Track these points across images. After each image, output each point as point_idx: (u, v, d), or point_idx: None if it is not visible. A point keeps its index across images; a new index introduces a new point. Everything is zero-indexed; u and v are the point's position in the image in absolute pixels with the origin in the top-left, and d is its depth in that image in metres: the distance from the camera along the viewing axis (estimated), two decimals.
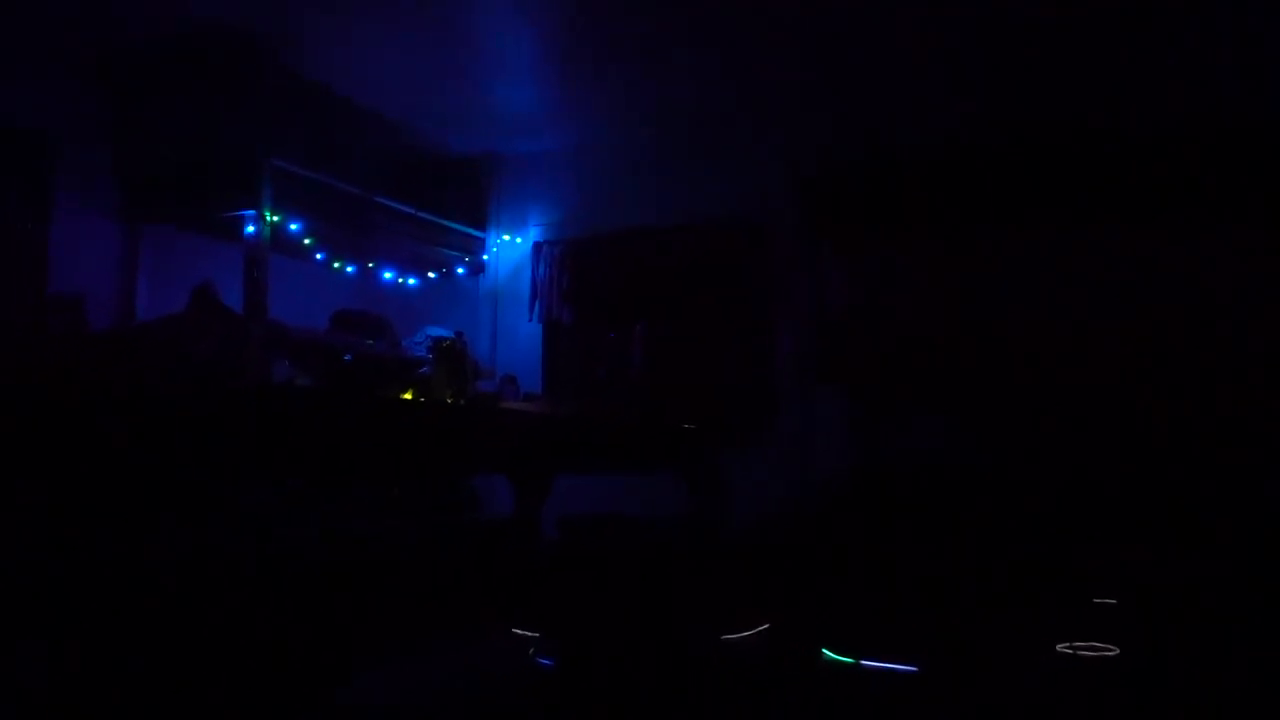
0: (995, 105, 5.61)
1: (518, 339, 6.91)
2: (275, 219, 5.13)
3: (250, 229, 5.04)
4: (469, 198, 6.92)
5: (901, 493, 5.37)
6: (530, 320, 6.86)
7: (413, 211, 6.24)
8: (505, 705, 3.49)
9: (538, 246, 6.88)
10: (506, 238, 7.01)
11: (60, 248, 4.99)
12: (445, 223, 6.61)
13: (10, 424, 2.78)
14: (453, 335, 4.69)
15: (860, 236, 5.79)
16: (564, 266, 6.77)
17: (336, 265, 6.27)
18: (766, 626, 4.01)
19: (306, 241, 5.65)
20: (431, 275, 6.97)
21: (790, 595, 4.28)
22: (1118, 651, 3.64)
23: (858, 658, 3.75)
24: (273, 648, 3.11)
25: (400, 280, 6.78)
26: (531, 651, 3.98)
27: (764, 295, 6.14)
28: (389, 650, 3.81)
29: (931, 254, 5.61)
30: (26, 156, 4.92)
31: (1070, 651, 3.66)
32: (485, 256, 7.00)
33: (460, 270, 6.99)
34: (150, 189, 5.34)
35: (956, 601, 4.13)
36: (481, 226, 6.99)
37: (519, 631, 4.10)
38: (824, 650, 3.82)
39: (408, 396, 4.32)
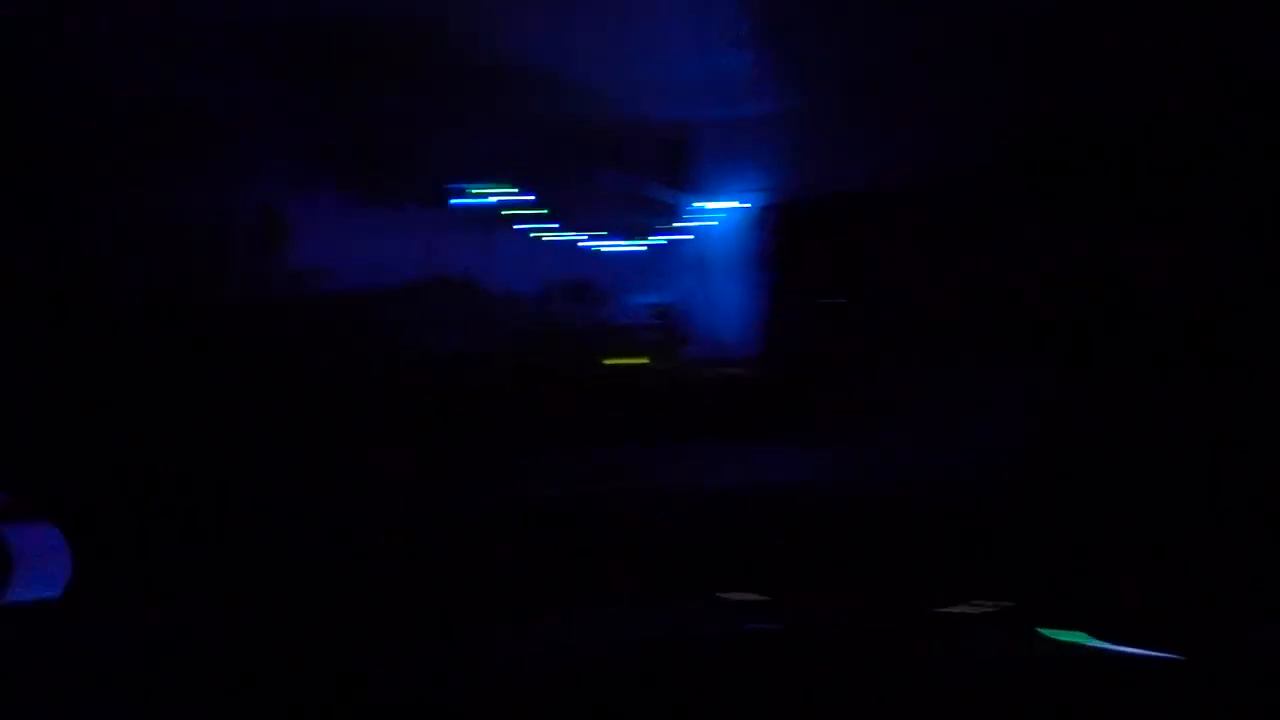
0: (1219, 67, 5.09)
1: (729, 306, 6.88)
2: (492, 190, 5.32)
3: (468, 201, 5.25)
4: (683, 164, 6.92)
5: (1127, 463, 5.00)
6: (743, 287, 6.82)
7: (626, 180, 6.31)
8: (716, 667, 3.53)
9: (751, 212, 6.82)
10: (719, 204, 6.98)
11: (298, 226, 5.34)
12: (658, 190, 6.65)
13: None
14: (668, 303, 4.75)
15: (1074, 198, 5.41)
16: (777, 232, 6.69)
17: (550, 235, 6.45)
18: (983, 601, 3.86)
19: (521, 212, 5.84)
20: (644, 242, 7.05)
21: (1009, 568, 4.09)
22: None
23: (1095, 637, 3.55)
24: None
25: (612, 249, 6.89)
26: (740, 616, 4.00)
27: (974, 256, 5.84)
28: (601, 603, 3.92)
29: (1152, 216, 5.18)
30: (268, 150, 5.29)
31: None
32: (698, 223, 7.01)
33: (674, 238, 7.02)
34: (378, 166, 5.64)
35: (1207, 582, 3.82)
36: (695, 193, 6.98)
37: (725, 596, 4.12)
38: (1042, 629, 3.63)
39: (628, 361, 4.41)
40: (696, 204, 7.00)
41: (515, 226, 5.98)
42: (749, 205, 6.80)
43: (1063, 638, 3.42)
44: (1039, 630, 3.48)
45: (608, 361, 4.40)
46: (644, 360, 4.44)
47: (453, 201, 5.28)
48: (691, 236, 7.00)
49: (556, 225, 6.41)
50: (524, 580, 3.57)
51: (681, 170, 6.92)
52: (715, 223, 6.98)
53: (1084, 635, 3.41)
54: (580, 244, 6.67)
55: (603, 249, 6.85)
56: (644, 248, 7.06)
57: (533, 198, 5.67)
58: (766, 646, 3.68)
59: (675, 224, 6.93)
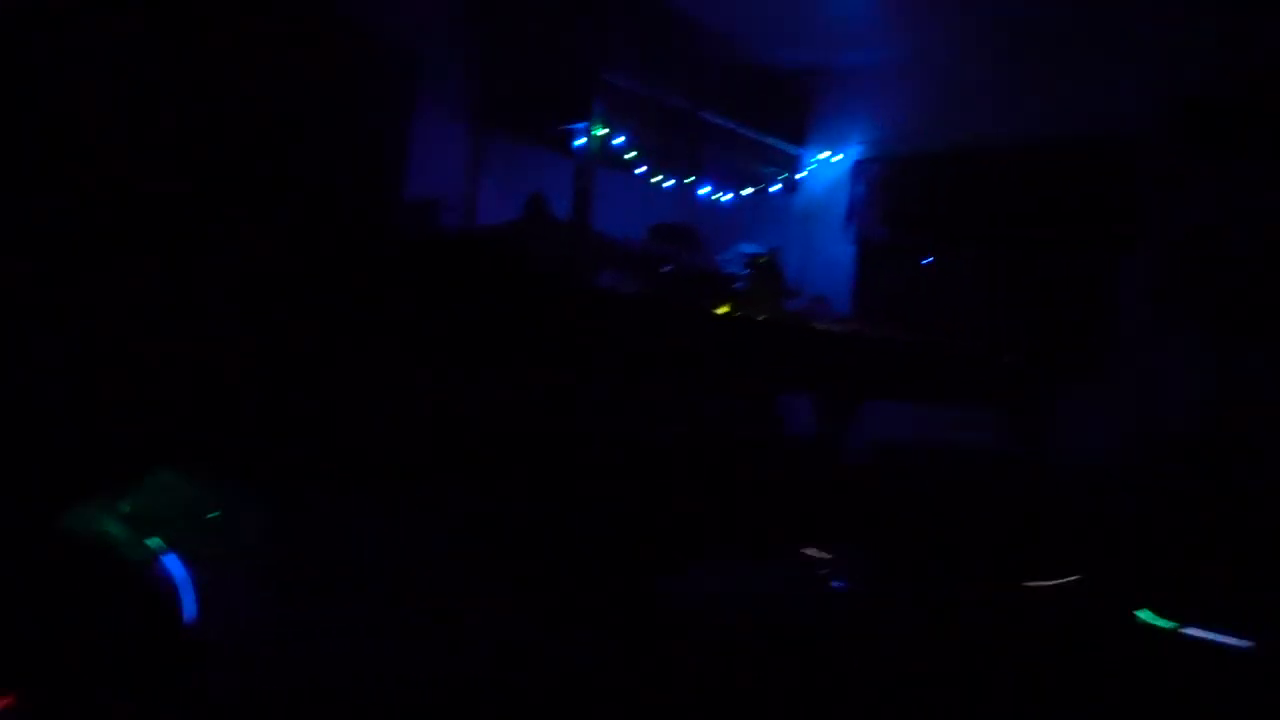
0: None
1: (829, 259, 6.80)
2: (603, 132, 5.33)
3: (580, 141, 5.28)
4: (790, 113, 6.83)
5: (1254, 443, 4.80)
6: (844, 241, 6.73)
7: (734, 126, 6.25)
8: (798, 621, 3.54)
9: (859, 164, 6.69)
10: (825, 155, 6.87)
11: (418, 154, 5.45)
12: (764, 138, 6.58)
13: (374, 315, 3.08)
14: (767, 251, 4.70)
15: (1247, 161, 5.08)
16: (885, 185, 6.55)
17: (656, 179, 6.42)
18: (1076, 579, 3.79)
19: (630, 155, 5.82)
20: (747, 191, 6.98)
21: (1108, 548, 4.00)
22: None
23: (1179, 624, 3.46)
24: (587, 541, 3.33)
25: (715, 195, 6.84)
26: (824, 573, 4.00)
27: (1111, 221, 5.59)
28: (682, 557, 3.95)
29: None
30: (393, 71, 5.39)
31: None
32: (802, 173, 6.91)
33: (775, 187, 6.94)
34: (496, 101, 5.72)
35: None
36: (800, 143, 6.89)
37: (810, 553, 4.11)
38: (1139, 612, 3.55)
39: (723, 310, 4.40)
40: (807, 154, 6.89)
41: (616, 169, 5.96)
42: (861, 157, 6.66)
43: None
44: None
45: (708, 308, 4.37)
46: (743, 310, 4.41)
47: (572, 141, 5.30)
48: (800, 188, 6.90)
49: (661, 169, 6.37)
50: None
51: (795, 117, 6.80)
52: (826, 174, 6.86)
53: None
54: (685, 189, 6.63)
55: (711, 196, 6.80)
56: (753, 196, 6.99)
57: (636, 139, 5.64)
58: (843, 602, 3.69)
59: (785, 174, 6.83)
